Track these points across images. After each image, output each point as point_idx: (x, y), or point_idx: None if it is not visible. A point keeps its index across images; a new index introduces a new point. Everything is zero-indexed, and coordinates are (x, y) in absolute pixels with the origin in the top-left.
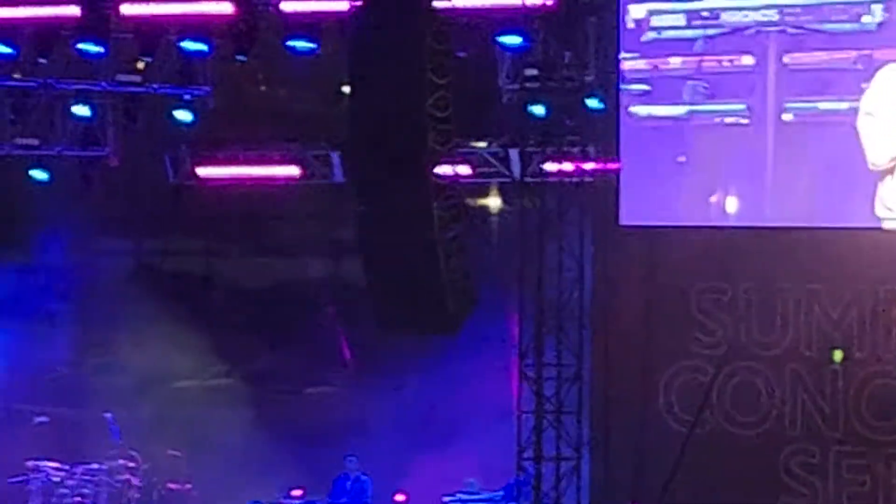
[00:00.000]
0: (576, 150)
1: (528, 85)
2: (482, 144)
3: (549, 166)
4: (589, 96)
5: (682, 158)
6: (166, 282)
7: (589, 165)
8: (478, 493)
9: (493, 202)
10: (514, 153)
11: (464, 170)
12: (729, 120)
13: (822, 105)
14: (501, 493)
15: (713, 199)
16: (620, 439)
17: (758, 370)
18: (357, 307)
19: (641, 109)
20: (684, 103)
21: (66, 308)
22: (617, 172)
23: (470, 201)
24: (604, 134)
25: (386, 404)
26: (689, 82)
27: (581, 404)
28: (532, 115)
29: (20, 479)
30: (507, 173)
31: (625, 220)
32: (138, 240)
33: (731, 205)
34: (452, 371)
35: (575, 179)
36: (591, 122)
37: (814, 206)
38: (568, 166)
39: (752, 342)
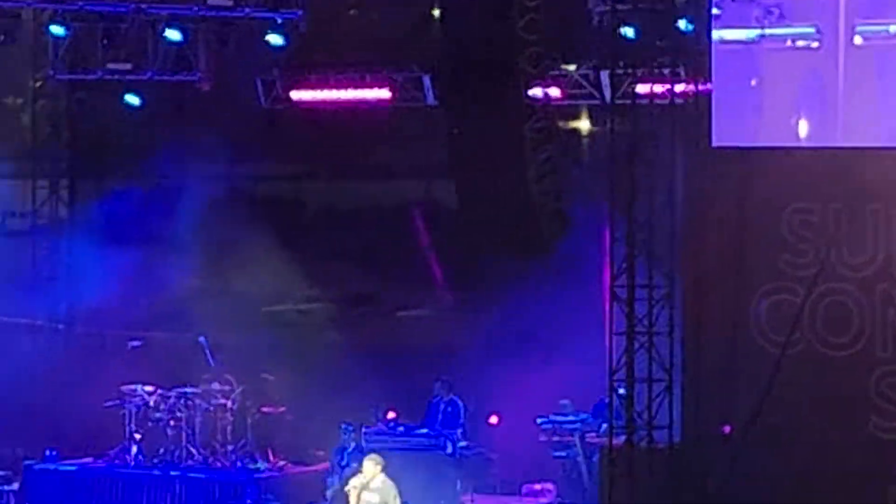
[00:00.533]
0: (666, 71)
1: (618, 7)
2: (572, 67)
3: (640, 88)
4: (679, 18)
5: (754, 82)
6: (259, 206)
7: (680, 87)
8: (570, 415)
9: (584, 125)
10: (604, 75)
11: (554, 92)
12: (800, 43)
13: (893, 27)
14: (588, 415)
15: (790, 121)
16: (712, 360)
17: (848, 291)
18: (449, 230)
19: (713, 34)
20: (754, 27)
21: (158, 234)
22: (708, 94)
23: (561, 124)
24: (694, 55)
25: (478, 327)
26: (759, 6)
27: (672, 325)
28: (622, 38)
29: (115, 403)
30: (597, 95)
31: (715, 141)
32: (230, 164)
33: (804, 128)
34: (544, 293)
35: (666, 101)
36: (681, 43)
37: (885, 129)
38: (659, 88)
39: (842, 263)
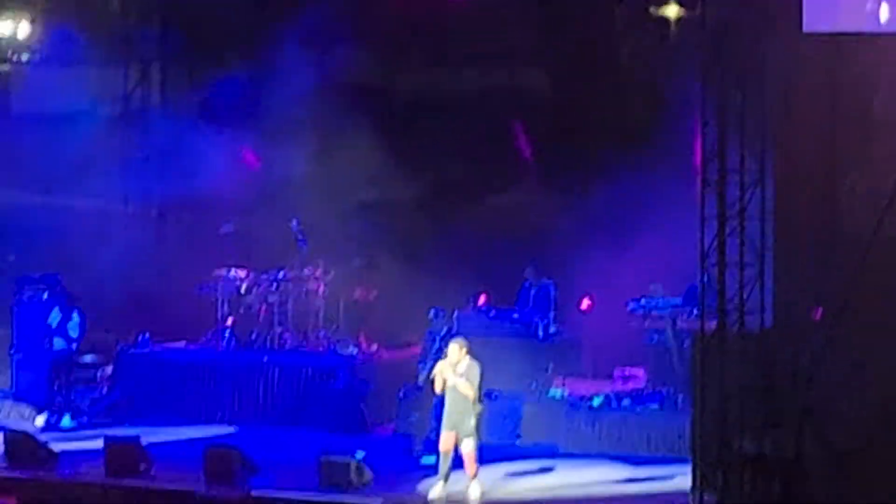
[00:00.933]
0: None
1: None
2: None
3: None
4: None
5: None
6: (351, 93)
7: None
8: (661, 300)
9: (674, 10)
10: None
11: None
12: None
13: None
14: (680, 300)
15: (868, 7)
16: (803, 244)
17: None
18: (541, 115)
19: None
20: None
21: (250, 119)
22: None
23: (651, 9)
24: None
25: (570, 212)
26: None
27: (764, 209)
28: None
29: (208, 288)
30: None
31: (806, 27)
32: (323, 52)
33: (885, 12)
34: (636, 177)
35: None
36: None
37: None
38: None
39: None
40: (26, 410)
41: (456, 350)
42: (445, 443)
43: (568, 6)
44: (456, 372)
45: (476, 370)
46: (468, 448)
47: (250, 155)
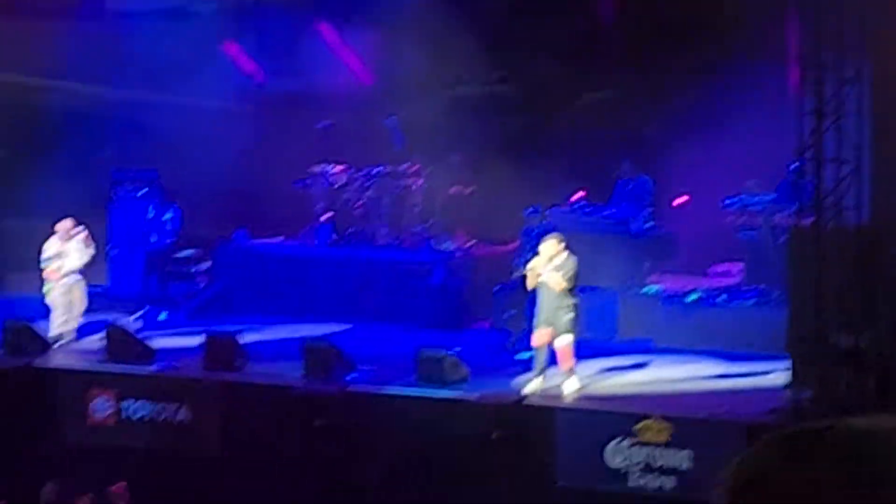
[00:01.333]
0: None
1: None
2: None
3: None
4: None
5: None
6: None
7: None
8: (758, 195)
9: None
10: None
11: None
12: None
13: None
14: (776, 195)
15: None
16: None
17: None
18: (637, 9)
19: None
20: None
21: (344, 16)
22: None
23: None
24: None
25: (666, 107)
26: None
27: (861, 105)
28: None
29: (304, 183)
30: None
31: None
32: None
33: None
34: (731, 72)
35: None
36: None
37: None
38: None
39: None
40: (123, 306)
41: (553, 244)
42: (541, 338)
43: None
44: (550, 266)
45: (572, 264)
46: (563, 344)
47: (348, 52)
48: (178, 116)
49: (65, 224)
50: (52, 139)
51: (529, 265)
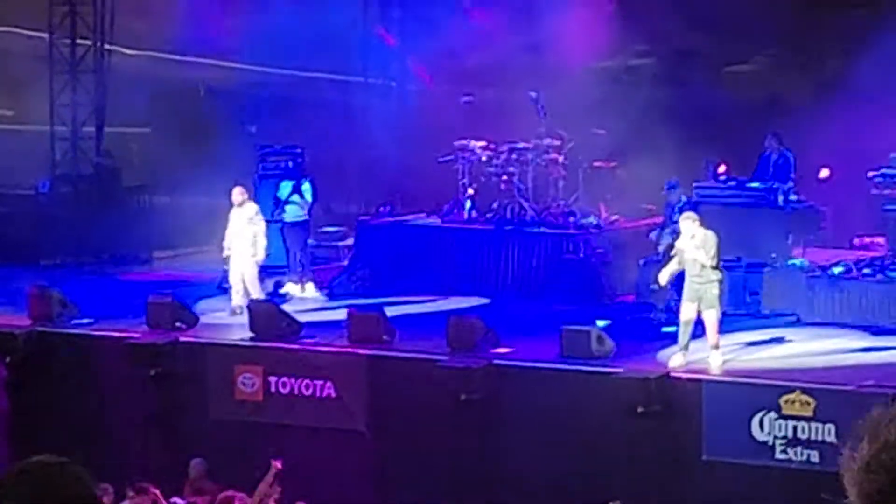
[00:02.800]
0: None
1: None
2: None
3: None
4: None
5: None
6: None
7: None
8: None
9: None
10: None
11: None
12: None
13: None
14: None
15: None
16: None
17: None
18: None
19: None
20: None
21: None
22: None
23: None
24: None
25: (809, 80)
26: None
27: None
28: None
29: (448, 158)
30: None
31: None
32: None
33: None
34: (876, 45)
35: None
36: None
37: None
38: None
39: None
40: (270, 281)
41: (689, 225)
42: (686, 312)
43: None
44: (692, 245)
45: (713, 240)
46: (710, 318)
47: (483, 24)
48: (321, 93)
49: (234, 193)
50: (197, 117)
51: (677, 244)
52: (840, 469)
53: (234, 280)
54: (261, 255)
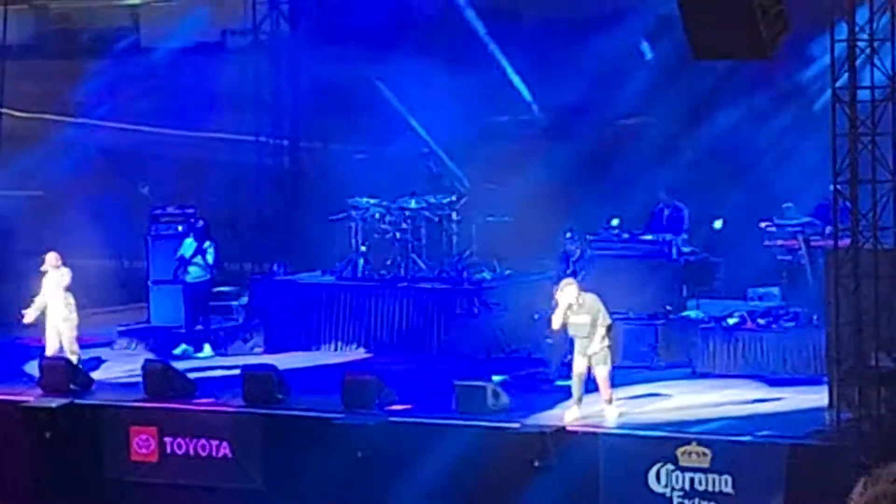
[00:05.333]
0: None
1: None
2: None
3: None
4: None
5: None
6: (480, 18)
7: None
8: (794, 218)
9: None
10: None
11: None
12: None
13: None
14: (812, 218)
15: None
16: None
17: None
18: (670, 34)
19: None
20: None
21: (380, 45)
22: None
23: None
24: None
25: (700, 133)
26: None
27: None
28: None
29: (342, 215)
30: None
31: None
32: None
33: None
34: (763, 97)
35: None
36: None
37: None
38: None
39: None
40: (163, 340)
41: (569, 291)
42: (578, 366)
43: None
44: (576, 311)
45: (594, 302)
46: (601, 374)
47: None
48: (212, 152)
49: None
50: (90, 177)
51: (554, 316)
52: None
53: (52, 343)
54: (76, 318)
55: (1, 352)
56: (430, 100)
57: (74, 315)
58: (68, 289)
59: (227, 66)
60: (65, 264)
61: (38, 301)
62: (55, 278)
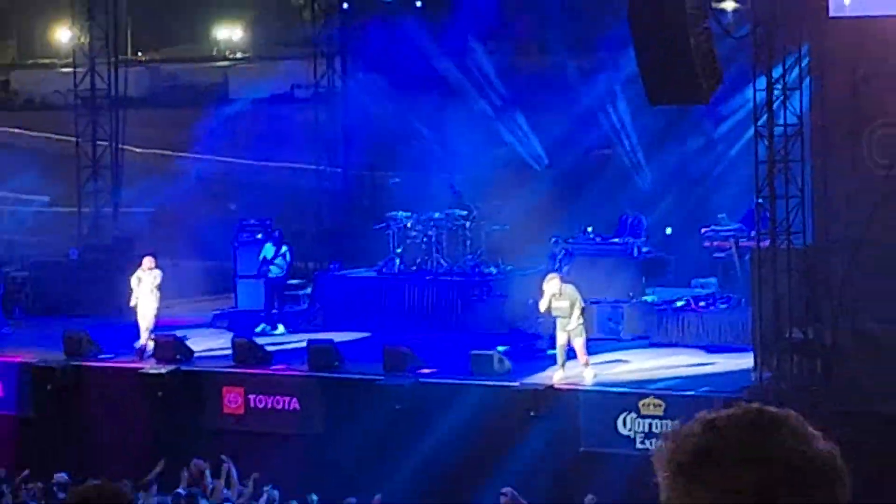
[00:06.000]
0: None
1: None
2: None
3: None
4: None
5: None
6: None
7: None
8: (727, 225)
9: (730, 4)
10: None
11: None
12: None
13: None
14: (741, 225)
15: None
16: (835, 181)
17: None
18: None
19: None
20: None
21: (423, 84)
22: None
23: (714, 4)
24: None
25: (655, 162)
26: None
27: (804, 154)
28: None
29: (382, 225)
30: None
31: (833, 12)
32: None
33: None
34: (707, 132)
35: None
36: None
37: None
38: None
39: None
40: (247, 321)
41: (553, 284)
42: (560, 339)
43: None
44: (558, 297)
45: (572, 291)
46: (578, 344)
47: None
48: (285, 178)
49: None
50: (192, 198)
51: (541, 302)
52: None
53: (143, 325)
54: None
55: (124, 331)
56: (451, 136)
57: (157, 307)
58: (158, 287)
59: (295, 112)
60: (157, 266)
61: (136, 293)
62: (149, 278)
